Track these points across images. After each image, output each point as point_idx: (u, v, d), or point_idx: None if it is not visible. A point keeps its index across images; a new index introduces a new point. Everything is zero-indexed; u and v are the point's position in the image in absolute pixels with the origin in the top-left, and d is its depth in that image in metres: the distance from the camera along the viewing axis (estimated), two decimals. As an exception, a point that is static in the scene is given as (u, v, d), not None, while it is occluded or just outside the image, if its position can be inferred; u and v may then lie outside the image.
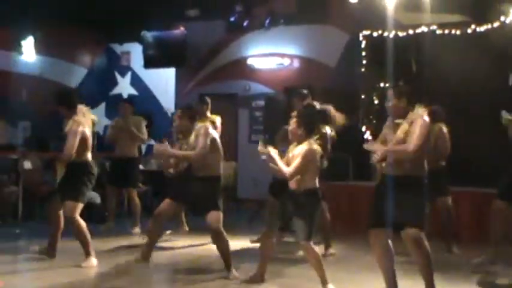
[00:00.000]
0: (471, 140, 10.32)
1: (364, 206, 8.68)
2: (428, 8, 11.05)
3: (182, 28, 15.11)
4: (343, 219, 10.02)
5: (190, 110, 7.55)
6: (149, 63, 15.48)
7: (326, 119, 8.23)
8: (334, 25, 13.30)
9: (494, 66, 10.99)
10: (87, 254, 7.52)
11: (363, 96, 12.44)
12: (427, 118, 5.79)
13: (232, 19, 14.61)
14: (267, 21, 14.15)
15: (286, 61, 14.16)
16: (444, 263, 7.41)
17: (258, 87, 14.15)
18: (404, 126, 5.83)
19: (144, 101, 15.44)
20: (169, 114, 13.86)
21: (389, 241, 5.91)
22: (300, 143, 6.39)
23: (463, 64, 10.92)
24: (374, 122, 11.84)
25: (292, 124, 6.51)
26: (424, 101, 5.99)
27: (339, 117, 8.44)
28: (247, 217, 11.22)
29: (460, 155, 8.89)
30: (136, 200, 10.08)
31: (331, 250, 8.46)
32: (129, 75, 16.33)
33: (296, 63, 14.14)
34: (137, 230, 9.85)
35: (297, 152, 6.34)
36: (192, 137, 7.16)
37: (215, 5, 14.11)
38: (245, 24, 14.52)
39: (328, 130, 8.05)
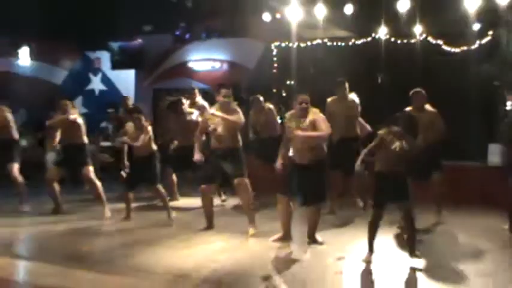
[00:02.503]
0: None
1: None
2: (321, 26, 11.07)
3: (139, 40, 15.11)
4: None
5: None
6: (115, 66, 15.45)
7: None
8: (253, 38, 13.22)
9: (368, 69, 11.21)
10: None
11: (274, 90, 12.39)
12: None
13: (177, 33, 14.60)
14: (204, 34, 14.21)
15: (218, 64, 14.15)
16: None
17: (196, 84, 13.68)
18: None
19: (111, 95, 15.45)
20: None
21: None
22: None
23: (346, 67, 10.52)
24: (282, 108, 11.60)
25: None
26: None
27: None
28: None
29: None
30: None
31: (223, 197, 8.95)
32: (100, 75, 16.17)
33: (225, 66, 14.11)
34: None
35: None
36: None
37: (165, 22, 14.10)
38: (187, 36, 14.53)
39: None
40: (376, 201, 5.48)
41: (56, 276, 5.08)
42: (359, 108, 8.10)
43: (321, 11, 10.72)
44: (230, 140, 6.69)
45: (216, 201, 8.09)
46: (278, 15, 11.50)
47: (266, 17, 11.70)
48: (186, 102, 8.66)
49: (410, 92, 7.19)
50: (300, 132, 5.89)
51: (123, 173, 8.51)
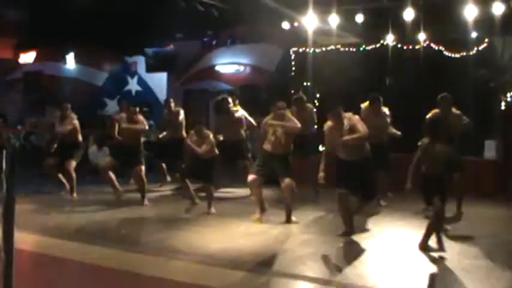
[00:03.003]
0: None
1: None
2: (335, 33, 11.05)
3: (171, 46, 15.26)
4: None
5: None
6: (150, 69, 15.62)
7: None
8: (273, 44, 13.19)
9: (377, 72, 11.15)
10: None
11: (292, 91, 11.73)
12: None
13: (205, 39, 14.73)
14: (229, 41, 14.29)
15: (241, 68, 14.06)
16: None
17: (222, 85, 14.07)
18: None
19: (146, 95, 15.70)
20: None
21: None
22: None
23: (357, 70, 10.86)
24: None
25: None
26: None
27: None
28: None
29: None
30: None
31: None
32: (136, 77, 16.36)
33: (248, 69, 14.02)
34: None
35: None
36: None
37: (194, 30, 14.19)
38: (214, 43, 14.63)
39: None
40: (427, 202, 5.48)
41: (100, 256, 5.34)
42: (388, 120, 8.09)
43: (334, 20, 10.82)
44: (283, 147, 6.76)
45: (245, 192, 8.32)
46: (296, 24, 11.53)
47: (285, 25, 11.79)
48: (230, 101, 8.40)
49: (438, 97, 7.10)
50: (344, 138, 5.95)
51: (164, 165, 8.81)
